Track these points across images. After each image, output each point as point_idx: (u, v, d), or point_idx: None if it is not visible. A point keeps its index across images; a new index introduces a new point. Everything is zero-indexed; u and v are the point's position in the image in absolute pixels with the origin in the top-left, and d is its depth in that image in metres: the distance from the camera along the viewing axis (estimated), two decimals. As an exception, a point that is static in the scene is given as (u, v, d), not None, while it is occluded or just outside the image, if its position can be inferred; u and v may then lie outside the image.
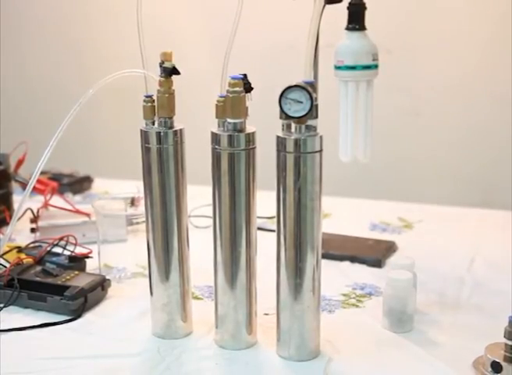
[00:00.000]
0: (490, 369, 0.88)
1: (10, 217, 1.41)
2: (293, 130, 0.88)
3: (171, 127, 0.95)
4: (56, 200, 1.48)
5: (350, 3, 1.10)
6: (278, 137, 0.88)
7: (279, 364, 0.94)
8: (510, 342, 0.87)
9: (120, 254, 1.24)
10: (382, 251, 1.31)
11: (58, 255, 1.21)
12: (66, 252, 1.22)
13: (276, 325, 0.95)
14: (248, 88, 0.91)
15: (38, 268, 1.15)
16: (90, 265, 1.21)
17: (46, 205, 1.45)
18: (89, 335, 1.02)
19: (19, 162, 1.51)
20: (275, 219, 0.92)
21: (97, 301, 1.11)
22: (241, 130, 0.91)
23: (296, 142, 0.87)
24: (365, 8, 1.10)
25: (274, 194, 0.91)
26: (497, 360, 0.87)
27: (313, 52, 0.87)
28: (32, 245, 1.25)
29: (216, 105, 0.92)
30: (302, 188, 0.88)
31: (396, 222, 1.51)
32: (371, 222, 1.50)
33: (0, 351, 0.96)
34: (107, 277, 1.14)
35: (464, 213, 1.57)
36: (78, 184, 1.71)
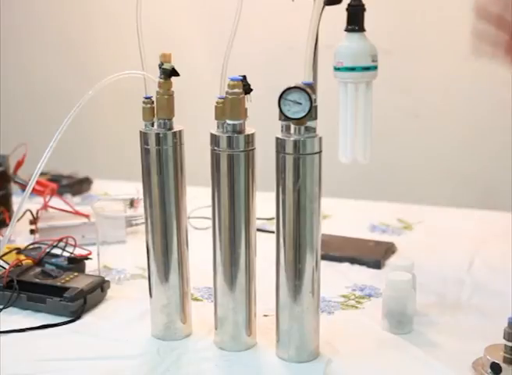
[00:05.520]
0: (490, 370, 0.88)
1: (10, 218, 1.41)
2: (292, 131, 0.88)
3: (170, 129, 0.95)
4: (55, 201, 1.48)
5: (349, 4, 1.10)
6: (277, 138, 0.88)
7: (279, 365, 0.94)
8: (509, 343, 0.87)
9: (119, 255, 1.24)
10: (381, 252, 1.31)
11: (57, 256, 1.21)
12: (66, 254, 1.22)
13: (276, 326, 0.95)
14: (247, 89, 0.91)
15: (37, 269, 1.14)
16: (90, 266, 1.21)
17: (45, 206, 1.45)
18: (88, 336, 1.02)
19: (19, 164, 1.51)
20: (274, 221, 0.92)
21: (97, 303, 1.11)
22: (240, 132, 0.91)
23: (296, 143, 0.87)
24: (364, 9, 1.10)
25: (273, 195, 0.91)
26: (496, 361, 0.87)
27: (312, 53, 0.87)
28: (31, 247, 1.25)
29: (215, 106, 0.92)
30: (301, 190, 0.88)
31: (396, 223, 1.51)
32: (371, 223, 1.50)
33: (0, 353, 0.97)
34: (106, 279, 1.14)
35: (463, 215, 1.57)
36: (77, 186, 1.71)
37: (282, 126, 0.89)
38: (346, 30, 1.11)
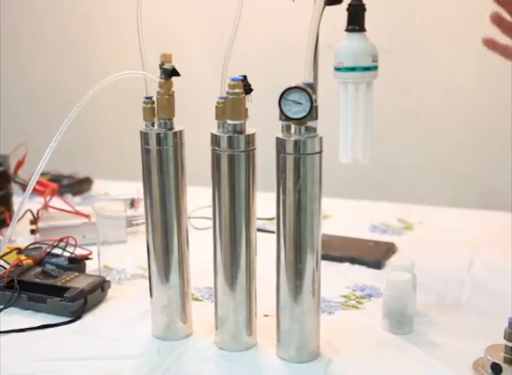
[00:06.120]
0: (490, 370, 0.88)
1: (10, 218, 1.41)
2: (292, 131, 0.88)
3: (171, 129, 0.95)
4: (56, 201, 1.48)
5: (349, 4, 1.10)
6: (277, 138, 0.88)
7: (279, 365, 0.94)
8: (509, 344, 0.87)
9: (120, 255, 1.24)
10: (381, 252, 1.31)
11: (57, 256, 1.21)
12: (66, 254, 1.22)
13: (276, 326, 0.95)
14: (248, 89, 0.91)
15: (38, 269, 1.14)
16: (90, 266, 1.21)
17: (46, 206, 1.45)
18: (89, 336, 1.02)
19: (19, 164, 1.51)
20: (274, 221, 0.92)
21: (97, 303, 1.11)
22: (241, 132, 0.91)
23: (296, 144, 0.87)
24: (365, 9, 1.10)
25: (274, 195, 0.91)
26: (497, 362, 0.87)
27: (313, 53, 0.87)
28: (32, 247, 1.25)
29: (216, 106, 0.92)
30: (302, 190, 0.88)
31: (396, 223, 1.51)
32: (371, 223, 1.50)
33: (0, 353, 0.96)
34: (107, 279, 1.14)
35: (463, 214, 1.57)
36: (78, 186, 1.71)
37: (282, 126, 0.89)
38: (347, 30, 1.10)
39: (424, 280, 1.13)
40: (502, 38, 1.10)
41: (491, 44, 1.10)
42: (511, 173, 1.91)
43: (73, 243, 1.24)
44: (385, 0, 1.93)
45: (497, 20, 1.07)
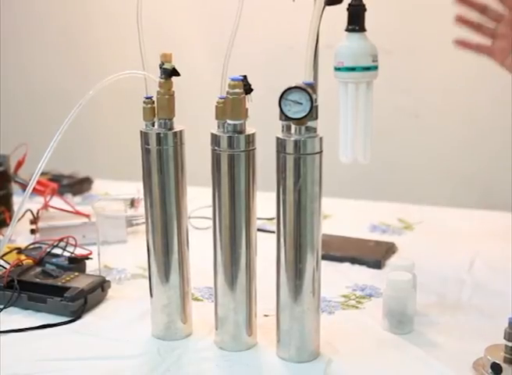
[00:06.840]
0: (490, 370, 0.88)
1: (10, 218, 1.41)
2: (292, 131, 0.88)
3: (171, 129, 0.95)
4: (56, 201, 1.48)
5: (349, 4, 1.10)
6: (278, 138, 0.89)
7: (279, 365, 0.94)
8: (509, 344, 0.87)
9: (120, 255, 1.24)
10: (382, 252, 1.31)
11: (58, 256, 1.21)
12: (66, 253, 1.22)
13: (276, 326, 0.95)
14: (248, 89, 0.91)
15: (38, 269, 1.14)
16: (90, 266, 1.21)
17: (46, 206, 1.45)
18: (89, 336, 1.02)
19: (19, 164, 1.51)
20: (274, 221, 0.92)
21: (97, 303, 1.11)
22: (241, 132, 0.91)
23: (296, 143, 0.87)
24: (365, 9, 1.10)
25: (274, 195, 0.91)
26: (497, 361, 0.87)
27: (313, 53, 0.87)
28: (32, 246, 1.25)
29: (216, 106, 0.92)
30: (302, 190, 0.88)
31: (396, 223, 1.51)
32: (371, 223, 1.51)
33: (0, 353, 0.96)
34: (107, 278, 1.14)
35: (463, 215, 1.57)
36: (78, 185, 1.72)
37: (282, 126, 0.89)
38: (347, 30, 1.10)
39: (425, 280, 1.13)
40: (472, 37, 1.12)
41: (463, 45, 1.11)
42: (511, 173, 1.91)
43: (73, 243, 1.24)
44: (385, 0, 1.93)
45: (462, 20, 1.09)
